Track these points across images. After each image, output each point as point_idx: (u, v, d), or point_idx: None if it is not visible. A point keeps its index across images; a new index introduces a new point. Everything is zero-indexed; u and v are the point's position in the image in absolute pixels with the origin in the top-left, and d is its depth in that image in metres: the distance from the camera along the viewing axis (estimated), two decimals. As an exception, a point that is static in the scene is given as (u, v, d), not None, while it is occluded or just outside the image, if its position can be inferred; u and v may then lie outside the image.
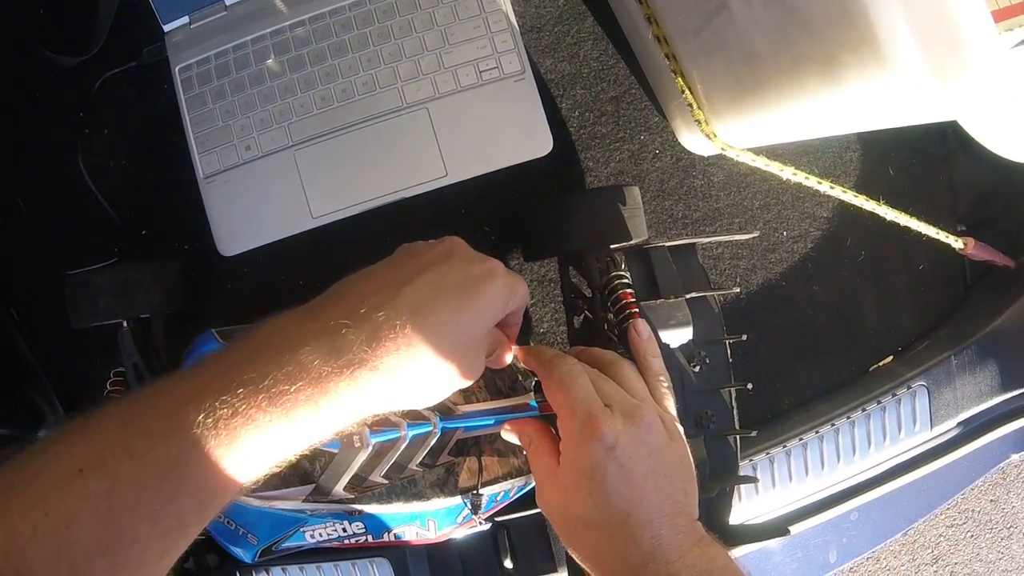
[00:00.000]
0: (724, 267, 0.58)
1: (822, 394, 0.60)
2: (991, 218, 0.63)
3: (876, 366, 0.62)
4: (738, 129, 0.47)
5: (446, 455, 0.46)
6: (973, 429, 0.61)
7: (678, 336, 0.44)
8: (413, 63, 0.55)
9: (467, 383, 0.35)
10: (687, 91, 0.46)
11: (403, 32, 0.55)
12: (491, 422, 0.45)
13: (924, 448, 0.61)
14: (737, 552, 0.62)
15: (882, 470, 0.62)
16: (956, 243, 0.56)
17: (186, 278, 0.54)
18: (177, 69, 0.56)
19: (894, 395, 0.59)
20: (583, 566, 0.38)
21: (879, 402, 0.59)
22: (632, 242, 0.46)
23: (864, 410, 0.59)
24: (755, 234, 0.44)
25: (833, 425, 0.59)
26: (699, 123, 0.46)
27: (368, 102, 0.55)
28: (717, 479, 0.45)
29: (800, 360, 0.60)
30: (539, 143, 0.54)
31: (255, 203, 0.55)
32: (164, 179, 0.57)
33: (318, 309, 0.32)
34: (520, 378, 0.46)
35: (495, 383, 0.46)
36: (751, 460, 0.58)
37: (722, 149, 0.47)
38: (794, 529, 0.62)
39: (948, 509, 1.40)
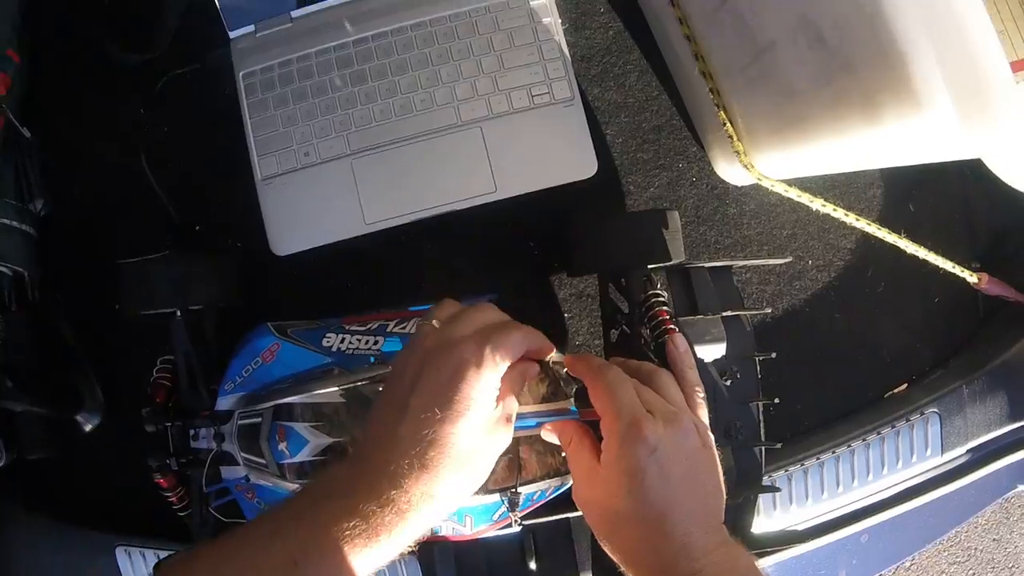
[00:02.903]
0: (752, 291, 0.61)
1: (840, 416, 0.63)
2: (1006, 257, 0.66)
3: (892, 392, 0.64)
4: (774, 161, 0.50)
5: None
6: (982, 457, 0.64)
7: (712, 351, 0.47)
8: (469, 84, 0.58)
9: (496, 457, 0.39)
10: (728, 124, 0.50)
11: (461, 55, 0.58)
12: (532, 424, 0.48)
13: (934, 473, 0.64)
14: (760, 562, 0.64)
15: (893, 492, 0.64)
16: (971, 278, 0.60)
17: (241, 274, 0.57)
18: (241, 74, 0.59)
19: (908, 420, 0.62)
20: (615, 558, 0.41)
21: (894, 426, 0.62)
22: (671, 263, 0.49)
23: (879, 433, 0.62)
24: (788, 259, 0.47)
25: (850, 446, 0.61)
26: (738, 154, 0.50)
27: (425, 118, 0.58)
28: (742, 487, 0.48)
29: (821, 382, 0.63)
30: (585, 165, 0.57)
31: (310, 206, 0.58)
32: (220, 178, 0.60)
33: (350, 485, 0.36)
34: (561, 384, 0.48)
35: (537, 388, 0.48)
36: (771, 476, 0.60)
37: (758, 179, 0.50)
38: (807, 547, 0.64)
39: (951, 546, 1.41)
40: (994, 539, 1.42)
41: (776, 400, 0.47)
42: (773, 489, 0.48)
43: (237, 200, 0.59)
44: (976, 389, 0.62)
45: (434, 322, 0.40)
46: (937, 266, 0.60)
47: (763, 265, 0.49)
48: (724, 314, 0.46)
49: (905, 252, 0.59)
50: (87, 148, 0.62)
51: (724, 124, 0.50)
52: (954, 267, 0.58)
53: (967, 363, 0.63)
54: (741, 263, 0.47)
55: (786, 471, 0.61)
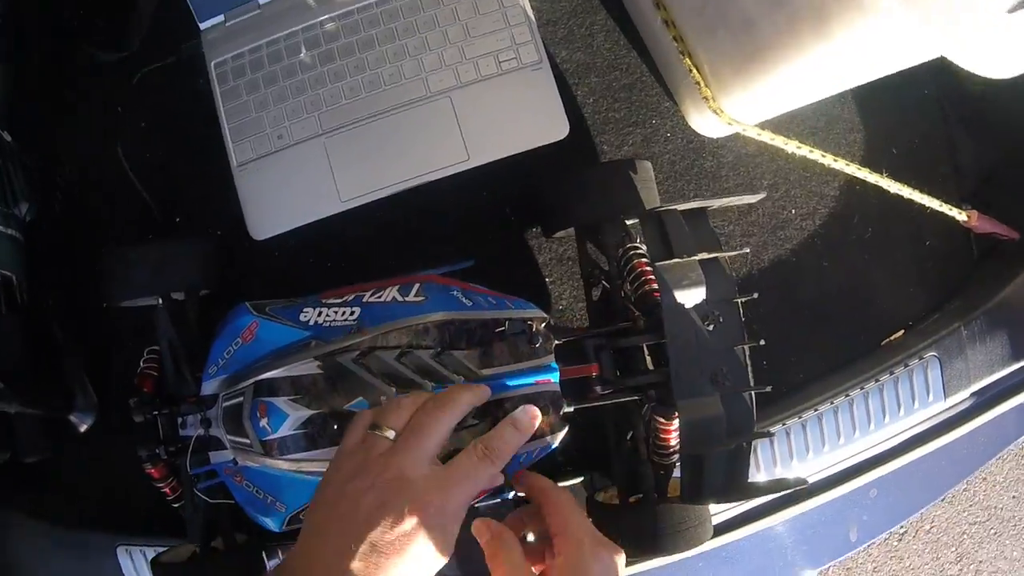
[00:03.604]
0: (736, 243, 0.60)
1: (836, 367, 0.62)
2: (995, 196, 0.65)
3: (888, 339, 0.63)
4: (743, 104, 0.49)
5: (470, 418, 0.48)
6: (986, 400, 0.62)
7: (692, 296, 0.46)
8: (436, 55, 0.58)
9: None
10: (694, 70, 0.49)
11: (427, 26, 0.58)
12: (514, 384, 0.47)
13: (939, 419, 0.62)
14: (759, 527, 0.62)
15: (898, 442, 0.63)
16: (960, 216, 0.58)
17: (220, 258, 0.57)
18: (213, 64, 0.60)
19: (906, 366, 0.60)
20: None
21: (891, 373, 0.60)
22: (644, 210, 0.48)
23: (878, 381, 0.60)
24: (762, 194, 0.46)
25: (847, 396, 0.60)
26: (706, 99, 0.49)
27: (394, 92, 0.58)
28: (734, 434, 0.46)
29: (812, 334, 0.62)
30: (556, 128, 0.57)
31: (286, 188, 0.58)
32: (198, 168, 0.61)
33: None
34: (540, 340, 0.48)
35: (517, 347, 0.48)
36: (768, 431, 0.59)
37: (729, 123, 0.49)
38: (814, 503, 0.63)
39: (971, 506, 1.38)
40: (1013, 496, 1.39)
41: (762, 342, 0.46)
42: (766, 434, 0.47)
43: (215, 188, 0.59)
44: (975, 330, 0.61)
45: (388, 433, 0.39)
46: (925, 208, 0.59)
47: (737, 204, 0.48)
48: (701, 257, 0.45)
49: (891, 196, 0.58)
50: (67, 148, 0.63)
51: (690, 71, 0.49)
52: (941, 205, 0.57)
53: (964, 305, 0.62)
54: (715, 202, 0.46)
55: (783, 425, 0.60)
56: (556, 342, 0.48)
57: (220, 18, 0.61)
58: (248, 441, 0.48)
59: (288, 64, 0.59)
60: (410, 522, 0.36)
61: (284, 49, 0.59)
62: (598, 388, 0.49)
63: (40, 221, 0.62)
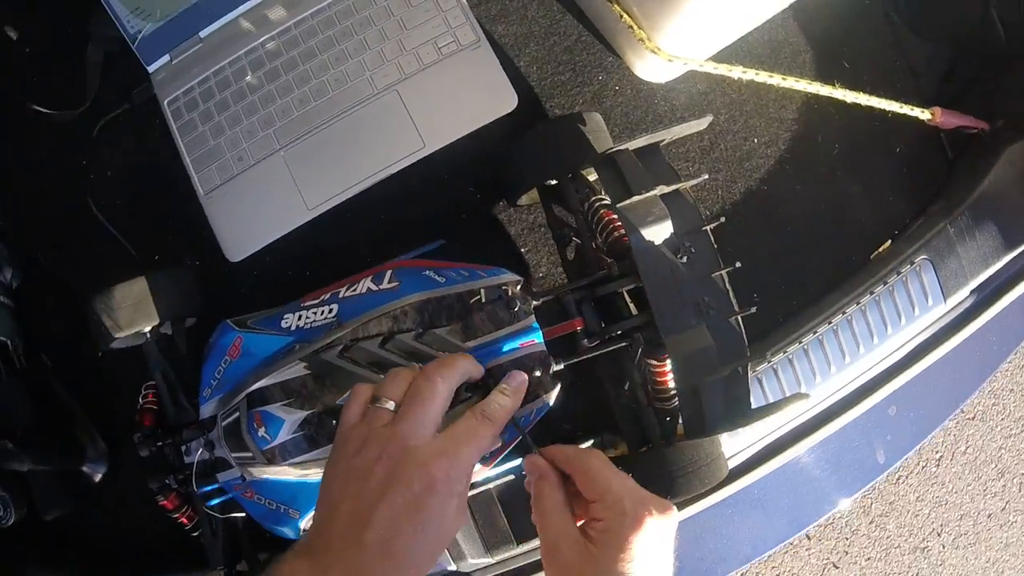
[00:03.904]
0: (705, 182, 0.59)
1: (827, 288, 0.61)
2: (959, 93, 0.64)
3: (876, 253, 0.62)
4: (678, 38, 0.49)
5: (463, 392, 0.47)
6: (988, 295, 0.61)
7: (659, 231, 0.46)
8: (377, 53, 0.59)
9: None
10: (624, 15, 0.50)
11: (363, 27, 0.59)
12: (500, 349, 0.47)
13: (944, 323, 0.61)
14: (783, 460, 0.61)
15: (906, 354, 0.62)
16: (923, 115, 0.58)
17: (199, 284, 0.58)
18: (166, 103, 0.61)
19: (899, 274, 0.59)
20: None
21: (885, 283, 0.59)
22: (596, 157, 0.48)
23: (872, 294, 0.59)
24: (709, 117, 0.46)
25: (844, 314, 0.59)
26: (642, 41, 0.49)
27: (343, 95, 0.59)
28: (728, 361, 0.46)
29: (798, 259, 0.61)
30: (504, 101, 0.58)
31: (254, 207, 0.59)
32: (169, 203, 0.62)
33: None
34: (519, 303, 0.48)
35: (496, 314, 0.48)
36: (769, 363, 0.58)
37: (669, 60, 0.49)
38: (833, 427, 0.61)
39: (1003, 420, 1.35)
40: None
41: (737, 264, 0.46)
42: (759, 358, 0.46)
43: (188, 220, 0.60)
44: (962, 226, 0.60)
45: (388, 404, 0.39)
46: (888, 114, 0.58)
47: (688, 132, 0.48)
48: (661, 191, 0.45)
49: (852, 109, 0.57)
50: (39, 209, 0.64)
51: (621, 17, 0.49)
52: (902, 107, 0.57)
53: (946, 204, 0.61)
54: (663, 135, 0.46)
55: (785, 353, 0.59)
56: (535, 303, 0.48)
57: (166, 58, 0.62)
58: (251, 454, 0.49)
59: (237, 88, 0.60)
60: (420, 488, 0.36)
61: (231, 75, 0.61)
62: (585, 341, 0.49)
63: (25, 284, 0.64)
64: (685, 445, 0.48)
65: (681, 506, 0.59)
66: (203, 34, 0.62)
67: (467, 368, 0.42)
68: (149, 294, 0.55)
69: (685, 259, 0.46)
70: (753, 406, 0.48)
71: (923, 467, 1.33)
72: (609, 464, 0.40)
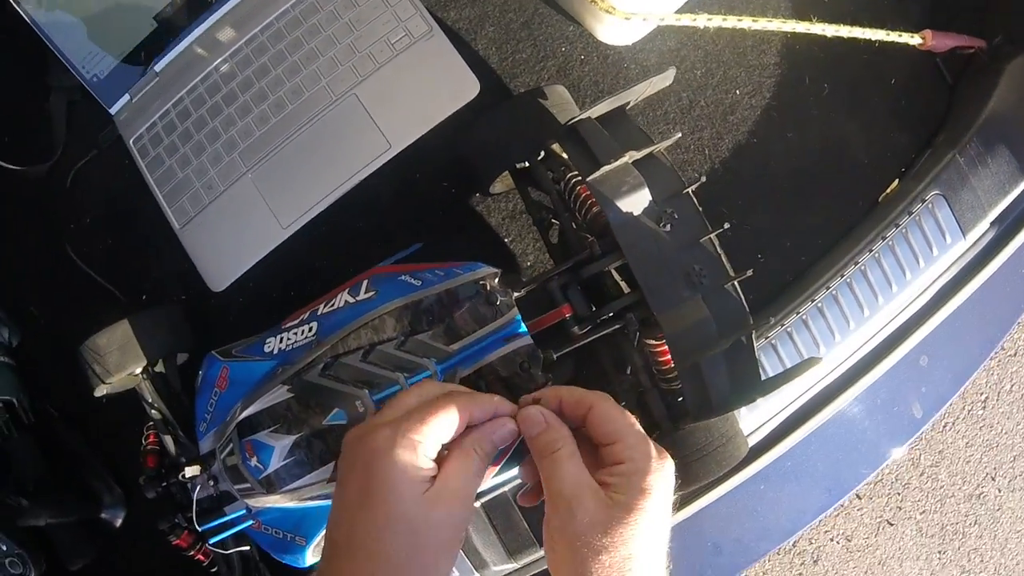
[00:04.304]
0: (688, 143, 0.56)
1: (836, 239, 0.57)
2: (952, 12, 0.60)
3: (884, 194, 0.58)
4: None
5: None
6: (1010, 225, 0.56)
7: (637, 201, 0.43)
8: (330, 59, 0.57)
9: (458, 533, 0.35)
10: (576, -22, 0.47)
11: (313, 35, 0.57)
12: (486, 349, 0.45)
13: (966, 260, 0.57)
14: (812, 426, 0.57)
15: (930, 298, 0.57)
16: (913, 39, 0.53)
17: (188, 317, 0.57)
18: (131, 142, 0.61)
19: (910, 214, 0.55)
20: None
21: (898, 226, 0.55)
22: (560, 132, 0.45)
23: (884, 239, 0.55)
24: (671, 70, 0.42)
25: (857, 264, 0.55)
26: (595, 3, 0.46)
27: (301, 107, 0.57)
28: (728, 332, 0.43)
29: (800, 212, 0.57)
30: (466, 88, 0.55)
31: (230, 234, 0.58)
32: (148, 241, 0.61)
33: None
34: (499, 297, 0.45)
35: (478, 311, 0.45)
36: (783, 326, 0.55)
37: (626, 18, 0.46)
38: (865, 383, 0.58)
39: None
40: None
41: (726, 225, 0.43)
42: (767, 323, 0.43)
43: (169, 255, 0.60)
44: (972, 155, 0.55)
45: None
46: (875, 44, 0.54)
47: (653, 90, 0.45)
48: (632, 157, 0.42)
49: (836, 46, 0.53)
50: (28, 264, 0.64)
51: (572, -19, 0.46)
52: (888, 34, 0.52)
53: (952, 133, 0.56)
54: (626, 96, 0.43)
55: (798, 314, 0.55)
56: (518, 294, 0.46)
57: (126, 97, 0.61)
58: (249, 485, 0.48)
59: (198, 117, 0.59)
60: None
61: (190, 104, 0.59)
62: (576, 329, 0.46)
63: (24, 341, 0.64)
64: (696, 427, 0.45)
65: (704, 489, 0.56)
66: (158, 68, 0.61)
67: (474, 408, 0.37)
68: (134, 336, 0.55)
69: (669, 227, 0.43)
70: (771, 375, 0.45)
71: (968, 411, 1.27)
72: (623, 409, 0.37)
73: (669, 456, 0.36)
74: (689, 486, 0.46)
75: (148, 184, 0.60)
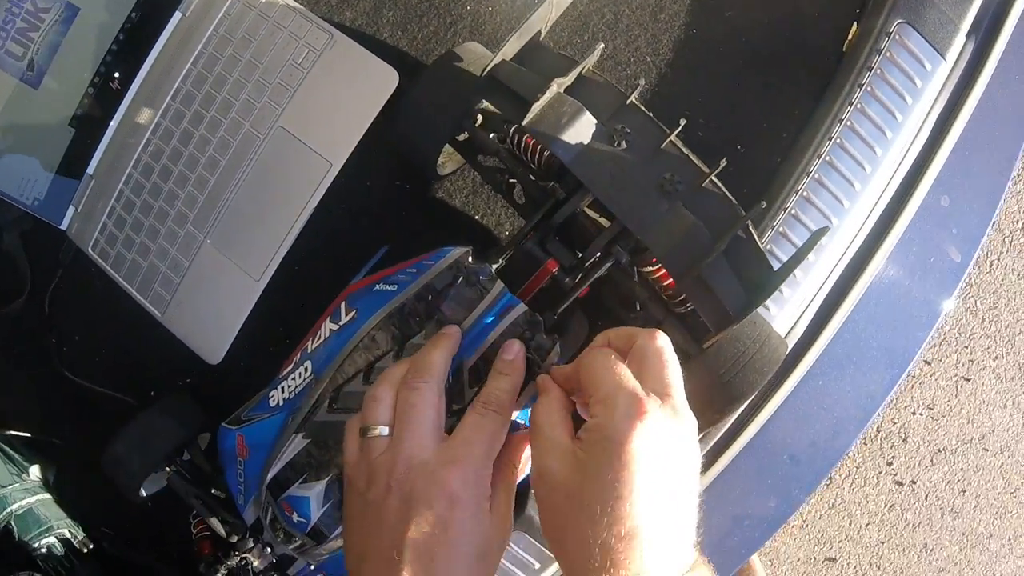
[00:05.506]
0: (626, 56, 0.53)
1: (813, 104, 0.53)
2: None
3: (846, 42, 0.54)
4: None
5: (470, 391, 0.43)
6: (986, 34, 0.52)
7: (581, 129, 0.40)
8: (245, 100, 0.55)
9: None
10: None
11: (222, 84, 0.56)
12: (483, 331, 0.42)
13: (954, 82, 0.52)
14: (850, 303, 0.53)
15: (929, 133, 0.53)
16: None
17: (197, 398, 0.56)
18: (90, 249, 0.60)
19: (879, 52, 0.51)
20: (560, 564, 0.34)
21: (870, 69, 0.51)
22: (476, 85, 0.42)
23: (861, 86, 0.51)
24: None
25: (843, 121, 0.51)
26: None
27: (234, 157, 0.55)
28: (721, 233, 0.40)
29: (768, 89, 0.54)
30: (385, 81, 0.53)
31: (209, 305, 0.57)
32: (139, 339, 0.60)
33: None
34: (478, 275, 0.43)
35: (462, 296, 0.43)
36: (784, 210, 0.51)
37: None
38: (886, 247, 0.54)
39: None
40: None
41: (683, 121, 0.39)
42: (757, 212, 0.39)
43: (162, 344, 0.59)
44: (924, -32, 0.51)
45: (380, 430, 0.37)
46: None
47: (558, 10, 0.42)
48: (559, 84, 0.39)
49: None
50: (28, 398, 0.64)
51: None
52: None
53: (897, -46, 0.52)
54: (529, 24, 0.40)
55: (797, 192, 0.52)
56: (495, 265, 0.43)
57: (72, 209, 0.61)
58: (301, 542, 0.46)
59: (142, 203, 0.58)
60: (441, 504, 0.33)
61: (131, 194, 0.59)
62: (568, 280, 0.44)
63: (57, 473, 0.64)
64: (723, 343, 0.42)
65: (758, 404, 0.53)
66: (90, 170, 0.60)
67: (444, 350, 0.39)
68: (148, 435, 0.54)
69: (624, 144, 0.40)
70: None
71: (1011, 242, 1.19)
72: (609, 356, 0.34)
73: (670, 413, 0.33)
74: (738, 404, 0.43)
75: (119, 284, 0.59)
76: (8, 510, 0.61)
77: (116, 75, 0.58)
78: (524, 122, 0.39)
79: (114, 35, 0.58)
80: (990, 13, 0.51)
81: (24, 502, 0.62)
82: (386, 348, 0.44)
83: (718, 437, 0.53)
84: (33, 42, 0.58)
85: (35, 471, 0.64)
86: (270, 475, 0.45)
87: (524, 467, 0.39)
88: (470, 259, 0.43)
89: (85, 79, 0.58)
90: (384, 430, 0.37)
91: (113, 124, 0.59)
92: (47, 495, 0.63)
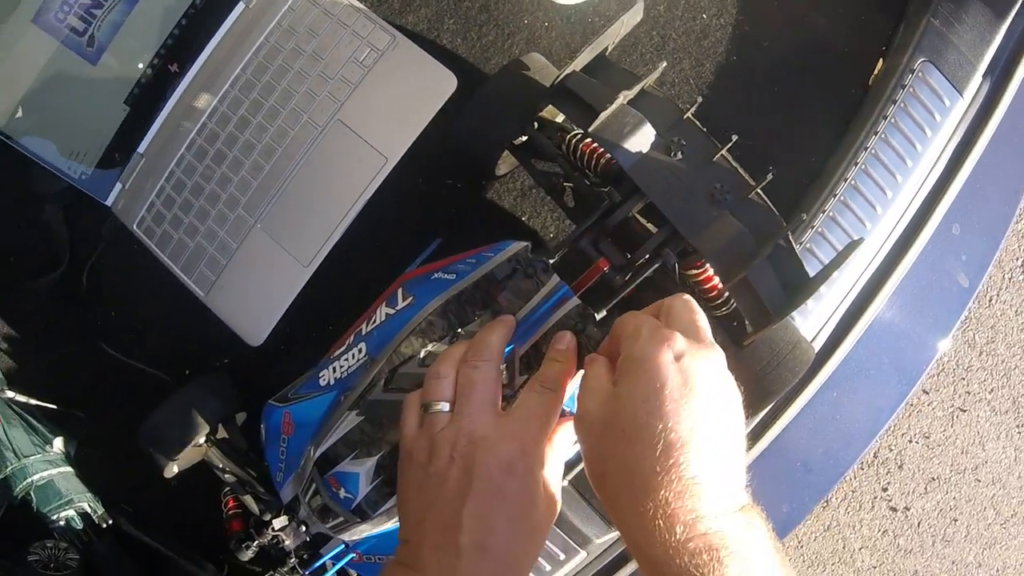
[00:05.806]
0: (671, 78, 0.56)
1: (839, 131, 0.57)
2: None
3: (872, 76, 0.58)
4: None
5: (520, 379, 0.45)
6: (1001, 73, 0.56)
7: (642, 138, 0.43)
8: (306, 93, 0.57)
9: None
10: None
11: (282, 76, 0.58)
12: (537, 321, 0.45)
13: (970, 117, 0.57)
14: (867, 320, 0.57)
15: (945, 164, 0.57)
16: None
17: (235, 378, 0.57)
18: (135, 226, 0.61)
19: (903, 87, 0.55)
20: (605, 506, 0.36)
21: (895, 102, 0.55)
22: (545, 96, 0.45)
23: (886, 118, 0.55)
24: (639, 4, 0.43)
25: (867, 149, 0.55)
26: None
27: (291, 146, 0.57)
28: (764, 241, 0.43)
29: (798, 115, 0.58)
30: (444, 84, 0.56)
31: (254, 288, 0.58)
32: (179, 317, 0.61)
33: None
34: (535, 268, 0.45)
35: (519, 288, 0.45)
36: (812, 228, 0.55)
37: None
38: (900, 271, 0.57)
39: None
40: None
41: (734, 138, 0.43)
42: (800, 222, 0.43)
43: (202, 326, 0.60)
44: (945, 14, 0.55)
45: (442, 406, 0.38)
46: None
47: (626, 30, 0.45)
48: (626, 98, 0.42)
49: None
50: (64, 371, 0.64)
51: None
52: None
53: (919, 1, 0.57)
54: (602, 42, 0.43)
55: (824, 212, 0.55)
56: (552, 260, 0.46)
57: (119, 186, 0.62)
58: (342, 519, 0.47)
59: (193, 184, 0.60)
60: (499, 474, 0.35)
61: (182, 175, 0.60)
62: (617, 279, 0.46)
63: (79, 447, 0.64)
64: (759, 343, 0.45)
65: (781, 407, 0.56)
66: (141, 149, 0.61)
67: (502, 334, 0.41)
68: (188, 409, 0.55)
69: (680, 155, 0.43)
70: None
71: (1009, 278, 1.26)
72: (637, 313, 0.37)
73: (691, 343, 0.34)
74: (771, 399, 0.46)
75: (163, 261, 0.60)
76: (28, 479, 0.61)
77: (175, 59, 0.60)
78: (591, 128, 0.42)
79: (177, 20, 0.60)
80: (1006, 55, 0.55)
81: (45, 473, 0.62)
82: (442, 333, 0.46)
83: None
84: (96, 19, 0.59)
85: (58, 443, 0.64)
86: (319, 451, 0.47)
87: (573, 447, 0.41)
88: (528, 253, 0.46)
89: (144, 59, 0.60)
90: (445, 406, 0.38)
91: (168, 106, 0.61)
92: (68, 468, 0.63)
